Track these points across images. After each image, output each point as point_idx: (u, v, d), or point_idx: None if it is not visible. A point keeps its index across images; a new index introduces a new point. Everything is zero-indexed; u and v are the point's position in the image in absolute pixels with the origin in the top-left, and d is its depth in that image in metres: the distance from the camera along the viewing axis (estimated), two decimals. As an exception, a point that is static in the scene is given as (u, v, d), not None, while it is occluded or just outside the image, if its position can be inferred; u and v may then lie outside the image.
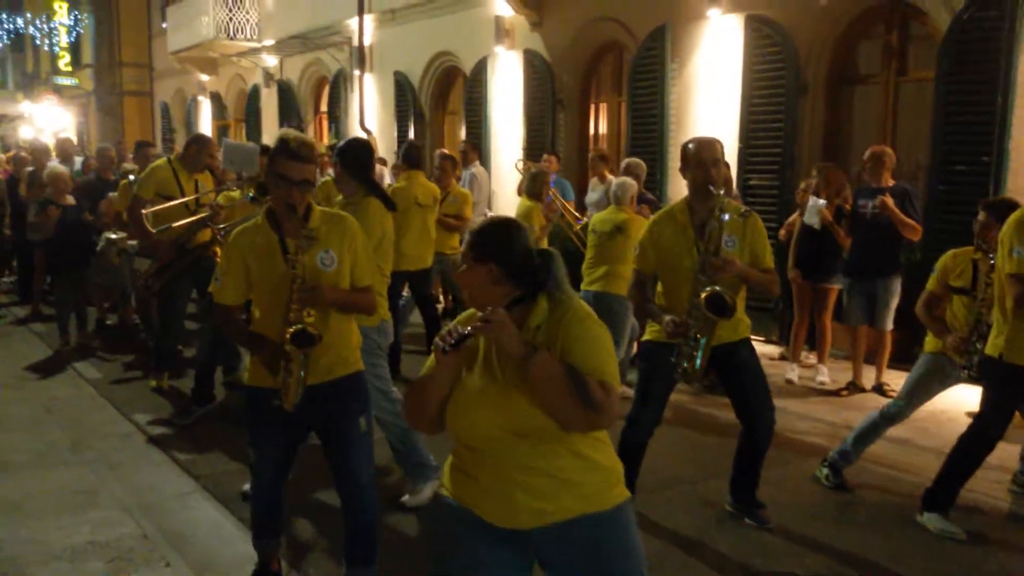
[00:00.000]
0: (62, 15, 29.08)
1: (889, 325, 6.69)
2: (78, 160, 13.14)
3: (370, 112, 16.01)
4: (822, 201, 6.89)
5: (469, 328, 2.38)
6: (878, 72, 8.51)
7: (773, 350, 8.30)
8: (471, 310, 2.57)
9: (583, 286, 6.68)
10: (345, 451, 3.56)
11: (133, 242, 8.11)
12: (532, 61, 12.01)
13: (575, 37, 11.46)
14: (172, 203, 6.53)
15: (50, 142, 15.19)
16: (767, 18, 8.93)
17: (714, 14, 9.43)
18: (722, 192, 4.24)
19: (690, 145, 4.33)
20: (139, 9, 27.12)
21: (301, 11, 17.37)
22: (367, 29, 15.61)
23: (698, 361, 4.06)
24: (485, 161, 12.63)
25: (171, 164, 6.91)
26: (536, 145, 11.94)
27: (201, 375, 6.36)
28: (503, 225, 2.54)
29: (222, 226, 6.24)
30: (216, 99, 22.37)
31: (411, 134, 14.64)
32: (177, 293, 6.94)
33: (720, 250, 4.06)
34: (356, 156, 4.61)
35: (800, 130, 8.79)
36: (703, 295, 3.94)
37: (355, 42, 15.90)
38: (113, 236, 8.28)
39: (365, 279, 3.59)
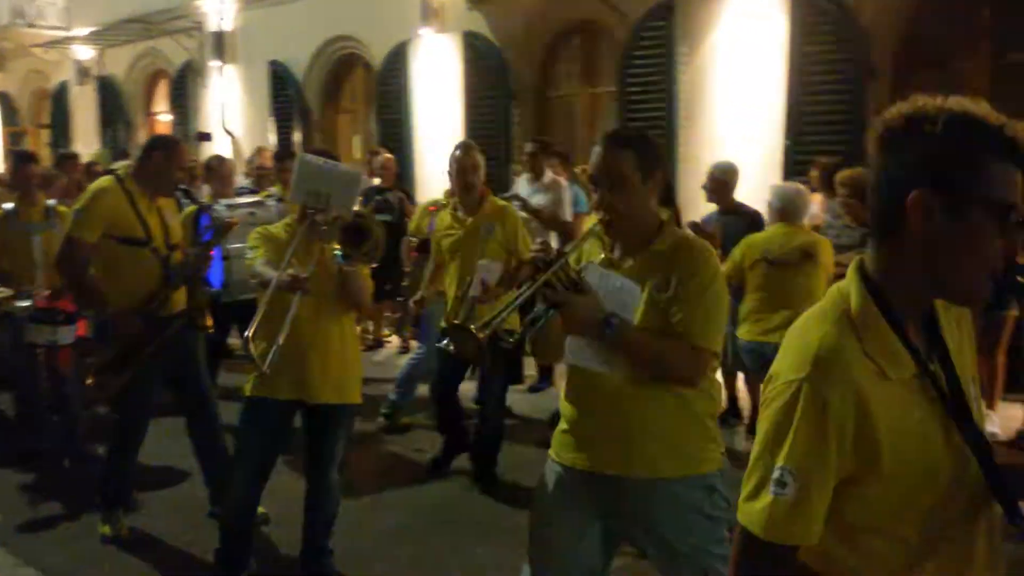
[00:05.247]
0: None
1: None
2: None
3: (233, 111, 13.26)
4: None
5: None
6: (963, 52, 7.20)
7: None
8: None
9: (749, 335, 4.84)
10: None
11: (24, 303, 5.43)
12: (475, 46, 9.94)
13: (530, 17, 9.52)
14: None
15: None
16: (819, -11, 7.44)
17: (743, -15, 7.84)
18: None
19: None
20: None
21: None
22: (227, 11, 12.89)
23: None
24: (407, 168, 10.49)
25: (123, 185, 4.39)
26: (485, 147, 9.86)
27: (232, 524, 3.90)
28: None
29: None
30: (4, 100, 18.42)
31: (296, 136, 12.13)
32: (144, 390, 4.45)
33: None
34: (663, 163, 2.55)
35: (868, 122, 7.34)
36: None
37: (210, 27, 13.12)
38: (-12, 296, 5.50)
39: None
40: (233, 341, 8.09)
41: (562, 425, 2.60)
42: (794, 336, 1.47)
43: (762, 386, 1.47)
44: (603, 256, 2.54)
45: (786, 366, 1.41)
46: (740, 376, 6.04)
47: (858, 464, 1.36)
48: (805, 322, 1.48)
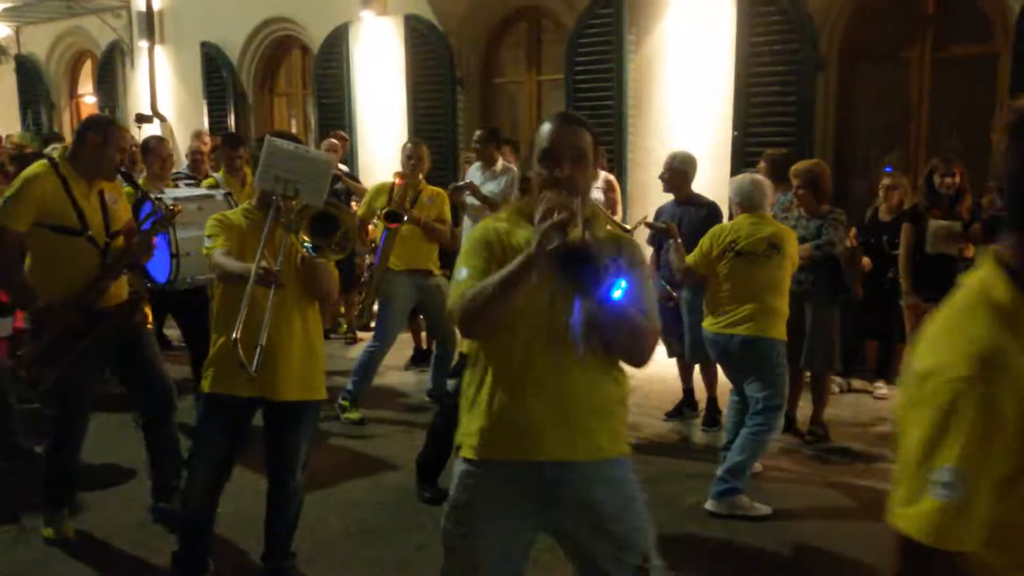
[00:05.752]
0: None
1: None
2: None
3: (164, 93, 12.83)
4: (955, 224, 5.61)
5: None
6: (908, 44, 7.30)
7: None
8: None
9: (716, 328, 4.78)
10: None
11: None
12: (419, 30, 9.75)
13: (474, 1, 9.39)
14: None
15: None
16: (766, -21, 7.46)
17: (690, -26, 7.82)
18: None
19: None
20: None
21: (46, -32, 13.64)
22: (156, -10, 12.48)
23: None
24: (352, 152, 10.29)
25: (57, 169, 4.15)
26: (430, 133, 9.71)
27: (190, 527, 3.75)
28: None
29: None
30: (-87, 79, 17.52)
31: (231, 120, 11.79)
32: (81, 385, 4.21)
33: None
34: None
35: (815, 114, 7.42)
36: None
37: (138, 6, 12.65)
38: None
39: None
40: (170, 332, 7.83)
41: (482, 422, 2.39)
42: (942, 333, 1.42)
43: (904, 386, 1.41)
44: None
45: (941, 364, 1.36)
46: (696, 368, 6.04)
47: (1017, 463, 1.32)
48: (952, 318, 1.43)
